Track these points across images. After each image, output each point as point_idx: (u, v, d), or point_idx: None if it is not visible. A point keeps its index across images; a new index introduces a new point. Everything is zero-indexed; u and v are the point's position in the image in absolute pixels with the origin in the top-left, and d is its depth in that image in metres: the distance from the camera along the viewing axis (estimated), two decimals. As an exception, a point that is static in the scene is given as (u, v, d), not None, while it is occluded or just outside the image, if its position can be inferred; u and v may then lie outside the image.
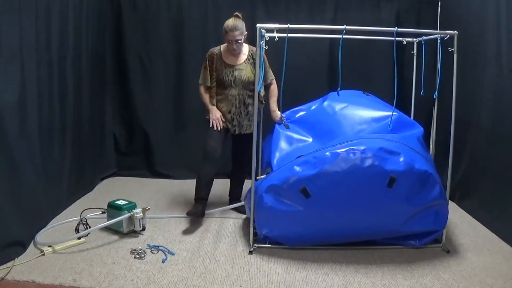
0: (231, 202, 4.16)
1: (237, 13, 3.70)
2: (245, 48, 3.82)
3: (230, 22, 3.65)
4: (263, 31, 3.50)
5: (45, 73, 3.67)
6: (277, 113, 3.88)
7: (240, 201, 4.09)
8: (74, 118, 4.19)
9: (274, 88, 3.95)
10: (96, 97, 4.74)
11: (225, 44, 3.80)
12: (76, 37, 4.17)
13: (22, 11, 3.27)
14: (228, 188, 4.24)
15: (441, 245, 3.41)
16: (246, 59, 3.80)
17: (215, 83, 3.80)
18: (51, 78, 3.76)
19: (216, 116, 3.76)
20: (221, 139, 3.79)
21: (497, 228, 3.69)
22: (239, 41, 3.66)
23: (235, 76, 3.75)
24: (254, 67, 3.68)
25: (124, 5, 5.02)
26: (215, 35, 5.06)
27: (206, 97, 3.85)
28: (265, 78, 3.80)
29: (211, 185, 3.80)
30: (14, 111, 3.21)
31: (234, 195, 4.20)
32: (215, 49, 3.84)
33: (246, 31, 3.69)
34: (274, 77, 3.94)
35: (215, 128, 3.73)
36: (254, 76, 3.59)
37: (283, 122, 3.82)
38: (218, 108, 3.81)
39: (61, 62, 3.91)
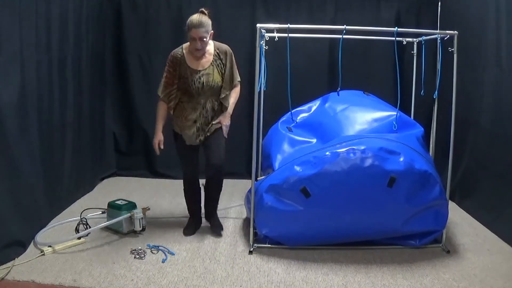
0: (206, 215, 3.73)
1: (202, 9, 3.33)
2: (211, 47, 3.42)
3: (194, 17, 3.25)
4: (263, 31, 3.50)
5: (45, 73, 3.67)
6: (226, 118, 3.42)
7: (215, 218, 3.68)
8: (74, 118, 4.19)
9: (237, 90, 3.53)
10: (96, 97, 4.74)
11: (187, 44, 3.39)
12: (76, 37, 4.17)
13: (22, 11, 3.27)
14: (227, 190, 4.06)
15: (441, 245, 3.41)
16: (212, 61, 3.39)
17: (175, 95, 3.41)
18: (51, 78, 3.76)
19: (155, 140, 3.43)
20: (195, 157, 3.51)
21: (497, 228, 3.69)
22: (204, 39, 3.26)
23: (203, 83, 3.35)
24: (221, 69, 3.41)
25: (124, 5, 5.03)
26: (215, 35, 5.05)
27: (161, 113, 3.42)
28: (231, 79, 3.46)
29: (200, 199, 3.67)
30: (14, 111, 3.21)
31: (209, 206, 3.70)
32: (178, 52, 3.40)
33: (212, 30, 3.33)
34: (239, 79, 3.53)
35: (156, 151, 3.45)
36: (223, 80, 3.40)
37: (224, 132, 3.43)
38: (183, 117, 3.41)
39: (61, 62, 3.91)
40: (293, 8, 5.03)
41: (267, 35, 3.78)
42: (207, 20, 3.27)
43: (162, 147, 3.46)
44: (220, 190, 3.62)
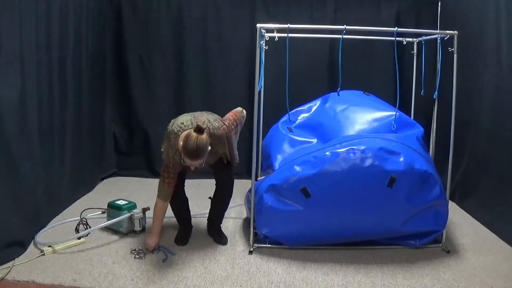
0: (209, 229, 3.62)
1: (199, 125, 2.91)
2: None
3: (191, 145, 2.85)
4: (263, 31, 3.50)
5: (45, 73, 3.66)
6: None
7: (220, 231, 3.57)
8: (74, 118, 4.19)
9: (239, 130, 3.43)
10: (96, 97, 4.74)
11: (183, 136, 2.97)
12: (76, 37, 4.17)
13: (22, 11, 3.27)
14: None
15: (441, 245, 3.41)
16: (207, 158, 3.08)
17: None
18: (51, 78, 3.76)
19: (151, 243, 3.24)
20: (181, 181, 3.36)
21: (497, 228, 3.69)
22: (202, 165, 3.04)
23: (202, 169, 3.22)
24: (219, 156, 3.28)
25: (124, 5, 5.02)
26: (215, 35, 5.07)
27: (158, 214, 3.23)
28: (232, 156, 3.31)
29: (188, 208, 3.55)
30: (14, 111, 3.21)
31: (213, 221, 3.60)
32: (175, 159, 3.07)
33: (209, 147, 2.98)
34: (237, 160, 3.41)
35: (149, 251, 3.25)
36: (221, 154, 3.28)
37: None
38: None
39: (61, 62, 3.91)
40: (293, 8, 5.02)
41: (267, 35, 3.78)
42: (204, 148, 2.90)
43: (156, 251, 3.25)
44: (227, 205, 3.55)
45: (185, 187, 3.48)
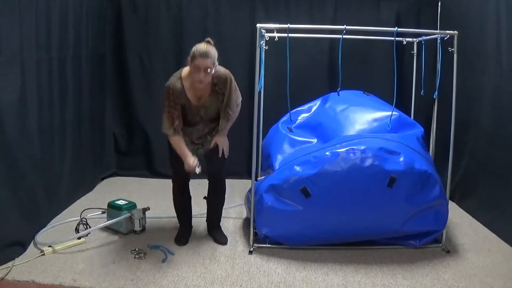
0: (208, 229, 3.62)
1: (209, 39, 3.13)
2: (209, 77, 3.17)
3: (201, 46, 3.04)
4: (263, 31, 3.50)
5: (45, 73, 3.67)
6: (222, 139, 3.30)
7: (220, 231, 3.58)
8: (74, 118, 4.19)
9: (236, 111, 3.35)
10: (96, 97, 4.74)
11: (186, 73, 3.17)
12: (76, 37, 4.17)
13: (22, 11, 3.27)
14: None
15: (441, 245, 3.41)
16: (210, 91, 3.21)
17: (181, 125, 3.23)
18: (51, 78, 3.76)
19: (190, 161, 3.18)
20: (186, 179, 3.44)
21: (497, 228, 3.69)
22: (209, 70, 3.05)
23: (202, 115, 3.26)
24: (220, 98, 3.24)
25: (124, 5, 5.02)
26: (215, 35, 5.05)
27: (181, 146, 3.20)
28: (228, 105, 3.24)
29: (191, 207, 3.58)
30: (14, 111, 3.21)
31: (212, 221, 3.61)
32: (177, 85, 3.16)
33: (216, 61, 3.12)
34: (241, 100, 3.36)
35: (193, 168, 3.20)
36: (220, 107, 3.26)
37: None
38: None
39: (61, 62, 3.91)
40: (293, 8, 5.02)
41: (267, 35, 3.78)
42: (214, 51, 3.07)
43: (198, 167, 3.20)
44: (222, 201, 3.56)
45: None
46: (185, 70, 3.19)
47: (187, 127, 3.29)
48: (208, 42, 3.10)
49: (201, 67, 3.02)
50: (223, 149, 3.35)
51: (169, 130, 3.18)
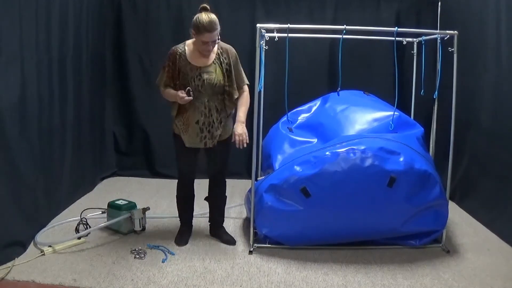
0: (212, 230, 3.59)
1: (205, 5, 3.10)
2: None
3: (204, 19, 3.01)
4: (263, 31, 3.50)
5: (45, 73, 3.67)
6: (240, 128, 3.16)
7: (226, 231, 3.56)
8: (74, 118, 4.19)
9: (246, 95, 3.27)
10: (96, 97, 4.74)
11: (191, 41, 3.23)
12: (76, 37, 4.17)
13: (22, 11, 3.27)
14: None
15: (441, 245, 3.41)
16: (214, 59, 3.19)
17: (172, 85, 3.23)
18: (51, 78, 3.76)
19: (181, 95, 3.09)
20: (194, 161, 3.36)
21: (497, 228, 3.69)
22: (215, 40, 3.08)
23: (204, 80, 3.14)
24: (224, 68, 3.19)
25: (124, 5, 5.03)
26: (215, 35, 5.06)
27: (170, 91, 3.19)
28: (237, 81, 3.23)
29: (193, 206, 3.54)
30: (14, 111, 3.21)
31: (216, 221, 3.58)
32: (179, 47, 3.19)
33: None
34: (247, 82, 3.31)
35: (185, 96, 3.08)
36: (224, 79, 3.19)
37: (241, 144, 3.15)
38: (184, 117, 3.22)
39: (61, 62, 3.91)
40: (293, 8, 5.03)
41: (267, 35, 3.78)
42: (216, 20, 3.07)
43: (188, 93, 3.10)
44: (225, 200, 3.56)
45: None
46: (190, 40, 3.24)
47: (191, 103, 3.15)
48: (205, 9, 3.10)
49: (208, 40, 3.06)
50: (242, 139, 3.16)
51: (161, 85, 3.28)
